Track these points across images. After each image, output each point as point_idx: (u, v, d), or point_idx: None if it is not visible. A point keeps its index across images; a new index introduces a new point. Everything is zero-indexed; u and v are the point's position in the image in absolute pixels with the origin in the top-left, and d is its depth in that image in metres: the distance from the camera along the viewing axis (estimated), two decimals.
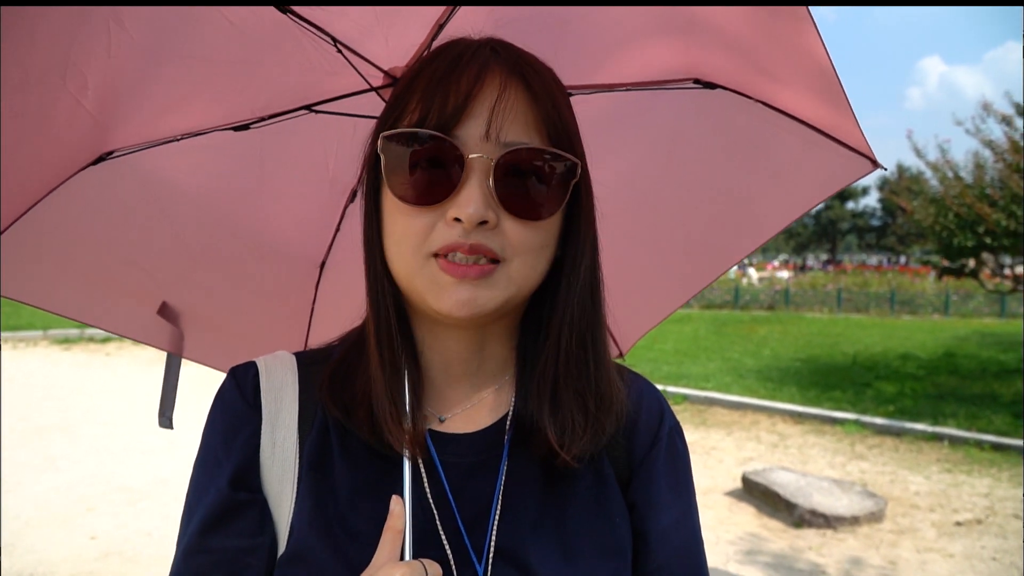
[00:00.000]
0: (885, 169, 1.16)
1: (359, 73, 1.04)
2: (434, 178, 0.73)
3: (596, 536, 0.81)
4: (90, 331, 14.59)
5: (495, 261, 0.74)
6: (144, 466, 6.24)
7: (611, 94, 1.14)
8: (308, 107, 1.13)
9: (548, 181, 0.75)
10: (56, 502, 5.42)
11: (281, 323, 1.48)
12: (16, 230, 1.08)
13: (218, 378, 0.86)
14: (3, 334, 13.97)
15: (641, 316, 1.45)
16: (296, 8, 0.96)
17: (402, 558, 0.70)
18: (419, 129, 0.73)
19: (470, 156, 0.72)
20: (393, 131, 0.75)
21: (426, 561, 0.68)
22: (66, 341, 14.12)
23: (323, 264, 1.42)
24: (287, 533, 0.77)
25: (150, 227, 1.24)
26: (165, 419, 1.28)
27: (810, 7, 0.88)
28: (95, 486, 5.77)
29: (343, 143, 1.22)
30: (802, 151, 1.15)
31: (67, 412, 8.27)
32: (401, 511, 0.72)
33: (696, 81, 1.11)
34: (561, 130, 0.77)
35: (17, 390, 9.18)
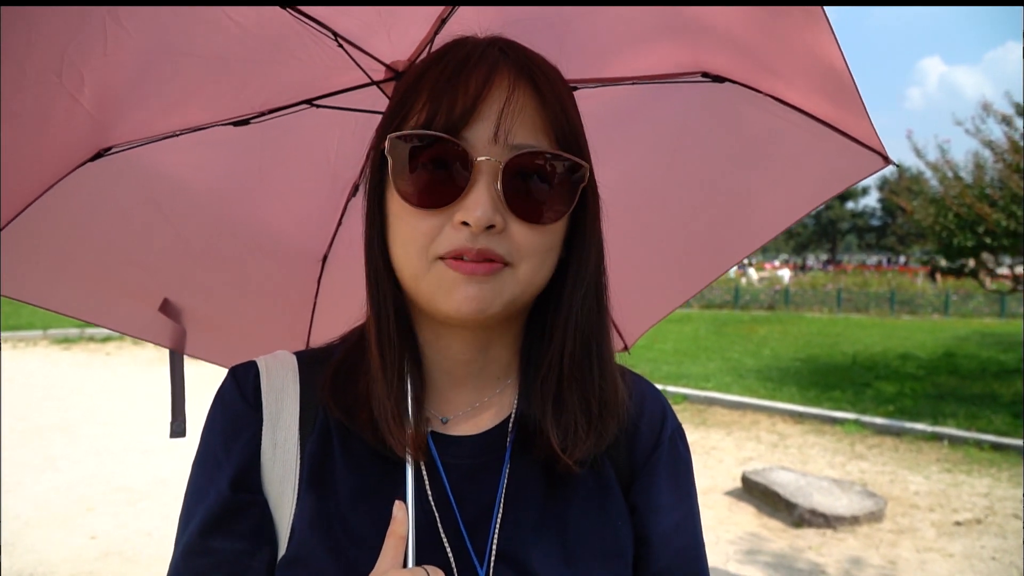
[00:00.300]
0: (898, 165, 1.15)
1: (360, 67, 1.03)
2: (441, 180, 0.72)
3: (597, 539, 0.81)
4: (90, 331, 14.58)
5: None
6: (144, 466, 6.24)
7: (617, 90, 1.13)
8: (309, 101, 1.13)
9: (556, 184, 0.75)
10: (56, 502, 5.41)
11: (283, 318, 1.47)
12: (14, 228, 1.07)
13: (217, 379, 0.85)
14: (3, 334, 13.95)
15: (645, 311, 1.44)
16: (297, 6, 0.96)
17: (404, 564, 0.70)
18: (427, 131, 0.72)
19: (478, 159, 0.71)
20: (400, 132, 0.74)
21: (429, 568, 0.67)
22: (66, 341, 14.10)
23: (325, 257, 1.41)
24: (288, 535, 0.77)
25: (149, 225, 1.23)
26: (178, 423, 1.24)
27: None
28: (95, 486, 5.77)
29: (344, 138, 1.21)
30: (811, 146, 1.14)
31: (67, 412, 8.26)
32: (404, 517, 0.71)
33: (705, 74, 1.10)
34: (569, 133, 0.77)
35: (17, 390, 9.17)
